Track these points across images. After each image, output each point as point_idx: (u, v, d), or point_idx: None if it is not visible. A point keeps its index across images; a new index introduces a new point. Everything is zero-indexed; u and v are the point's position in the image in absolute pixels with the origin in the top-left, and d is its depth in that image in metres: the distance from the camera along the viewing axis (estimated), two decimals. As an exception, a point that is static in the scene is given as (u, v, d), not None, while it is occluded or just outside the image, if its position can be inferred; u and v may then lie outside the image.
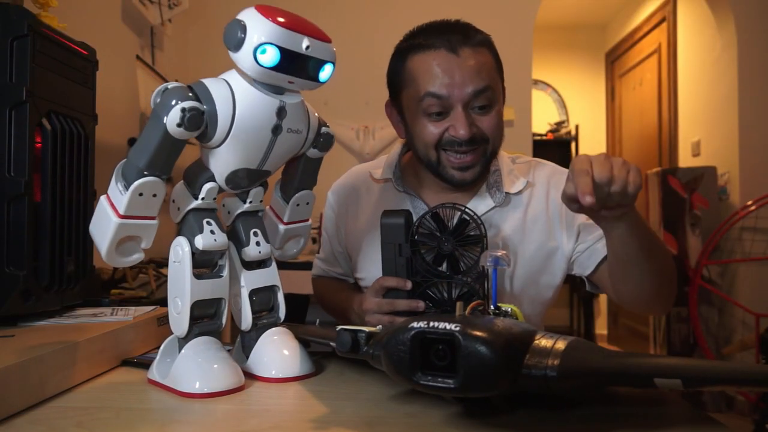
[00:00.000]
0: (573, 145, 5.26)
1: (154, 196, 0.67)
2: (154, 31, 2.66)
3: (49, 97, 0.87)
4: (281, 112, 0.68)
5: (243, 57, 0.63)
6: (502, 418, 0.60)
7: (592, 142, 5.22)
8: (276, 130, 0.69)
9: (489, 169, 1.12)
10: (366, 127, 3.15)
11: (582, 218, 1.06)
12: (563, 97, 5.34)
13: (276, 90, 0.68)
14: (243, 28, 0.63)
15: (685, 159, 3.71)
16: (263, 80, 0.66)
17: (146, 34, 2.61)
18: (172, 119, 0.62)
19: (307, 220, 0.86)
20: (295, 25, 0.64)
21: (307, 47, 0.64)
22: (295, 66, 0.65)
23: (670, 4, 3.92)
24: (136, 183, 0.65)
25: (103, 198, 0.68)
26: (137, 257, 0.70)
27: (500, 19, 3.04)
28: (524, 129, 3.22)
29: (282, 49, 0.63)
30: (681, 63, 3.83)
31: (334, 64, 0.69)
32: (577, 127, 5.24)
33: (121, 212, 0.65)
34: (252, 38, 0.62)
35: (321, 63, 0.67)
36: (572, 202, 0.76)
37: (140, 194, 0.65)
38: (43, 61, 0.86)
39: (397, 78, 1.05)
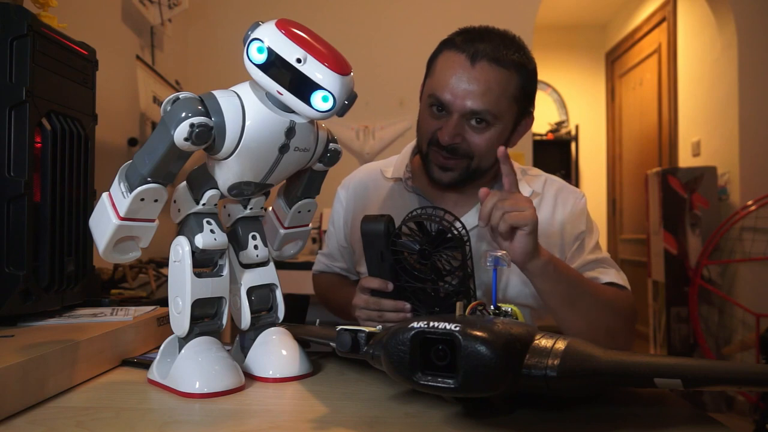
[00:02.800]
0: (573, 145, 5.26)
1: (156, 201, 0.67)
2: (154, 31, 2.66)
3: (49, 97, 0.87)
4: (290, 132, 0.68)
5: (244, 51, 0.64)
6: (502, 418, 0.60)
7: (592, 142, 5.23)
8: (283, 148, 0.69)
9: (493, 177, 1.12)
10: (366, 127, 3.15)
11: (575, 245, 1.09)
12: (563, 97, 5.34)
13: (286, 108, 0.67)
14: (254, 27, 0.64)
15: (685, 159, 3.72)
16: (258, 81, 0.65)
17: (146, 34, 2.61)
18: (180, 133, 0.62)
19: (307, 225, 0.86)
20: (298, 38, 0.63)
21: (298, 60, 0.62)
22: (284, 76, 0.63)
23: (670, 4, 3.92)
24: (138, 189, 0.65)
25: (105, 195, 0.68)
26: (134, 255, 0.71)
27: (500, 19, 3.01)
28: (524, 129, 3.21)
29: (270, 51, 0.62)
30: (681, 63, 3.83)
31: (336, 99, 0.63)
32: (577, 127, 5.24)
33: (122, 215, 0.66)
34: (252, 35, 0.63)
35: (317, 87, 0.63)
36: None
37: (142, 199, 0.66)
38: (43, 61, 0.86)
39: (429, 66, 1.09)
